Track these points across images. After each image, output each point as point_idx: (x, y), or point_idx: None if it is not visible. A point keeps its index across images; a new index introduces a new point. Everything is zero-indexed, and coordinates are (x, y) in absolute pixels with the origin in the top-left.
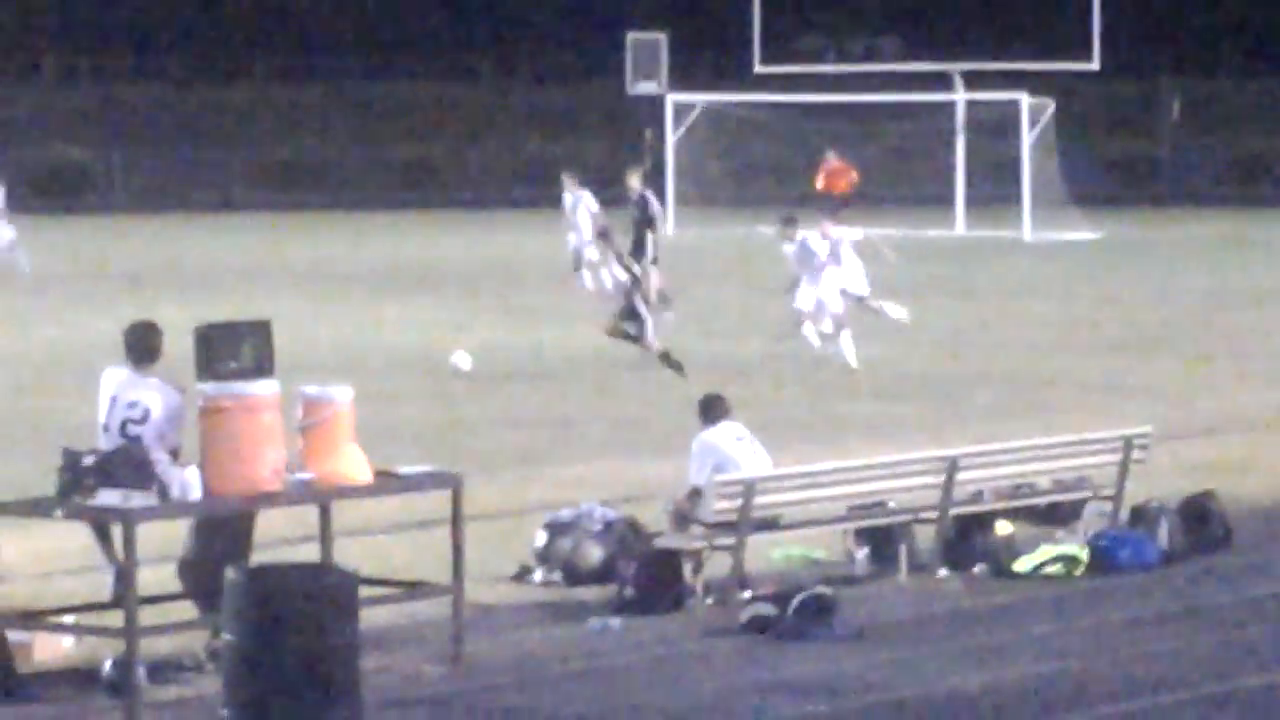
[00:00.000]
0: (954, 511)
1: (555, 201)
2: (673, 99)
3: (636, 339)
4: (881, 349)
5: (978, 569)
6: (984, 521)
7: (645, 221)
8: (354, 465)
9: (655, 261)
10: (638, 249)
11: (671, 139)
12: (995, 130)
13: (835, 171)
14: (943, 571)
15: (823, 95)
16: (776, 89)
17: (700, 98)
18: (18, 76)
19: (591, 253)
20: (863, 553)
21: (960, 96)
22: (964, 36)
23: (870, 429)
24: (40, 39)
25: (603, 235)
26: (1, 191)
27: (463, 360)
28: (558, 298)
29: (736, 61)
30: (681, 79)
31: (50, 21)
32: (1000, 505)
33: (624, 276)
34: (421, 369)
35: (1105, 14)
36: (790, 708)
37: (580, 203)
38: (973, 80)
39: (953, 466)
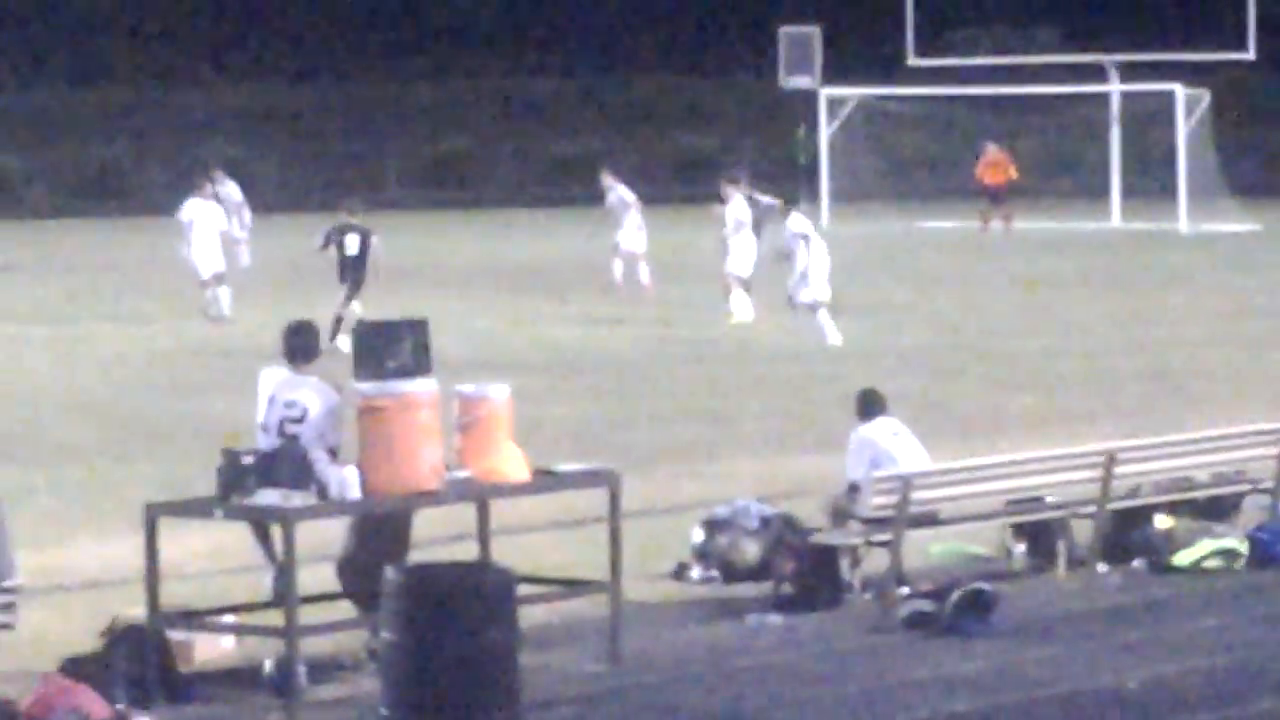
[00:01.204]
0: (1112, 506)
1: (707, 198)
2: (826, 93)
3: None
4: (1041, 341)
5: (1136, 563)
6: (1143, 516)
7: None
8: (512, 463)
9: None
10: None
11: (825, 133)
12: (1151, 122)
13: (994, 164)
14: (1101, 566)
15: (977, 88)
16: (930, 82)
17: (854, 91)
18: (177, 77)
19: (632, 244)
20: (1021, 548)
21: (1115, 88)
22: (1119, 27)
23: (1027, 422)
24: (198, 40)
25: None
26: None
27: (344, 344)
28: (710, 293)
29: (890, 54)
30: (835, 72)
31: (206, 23)
32: (1159, 499)
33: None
34: (577, 366)
35: (1260, 3)
36: (949, 704)
37: (615, 194)
38: (1127, 71)
39: (1111, 460)
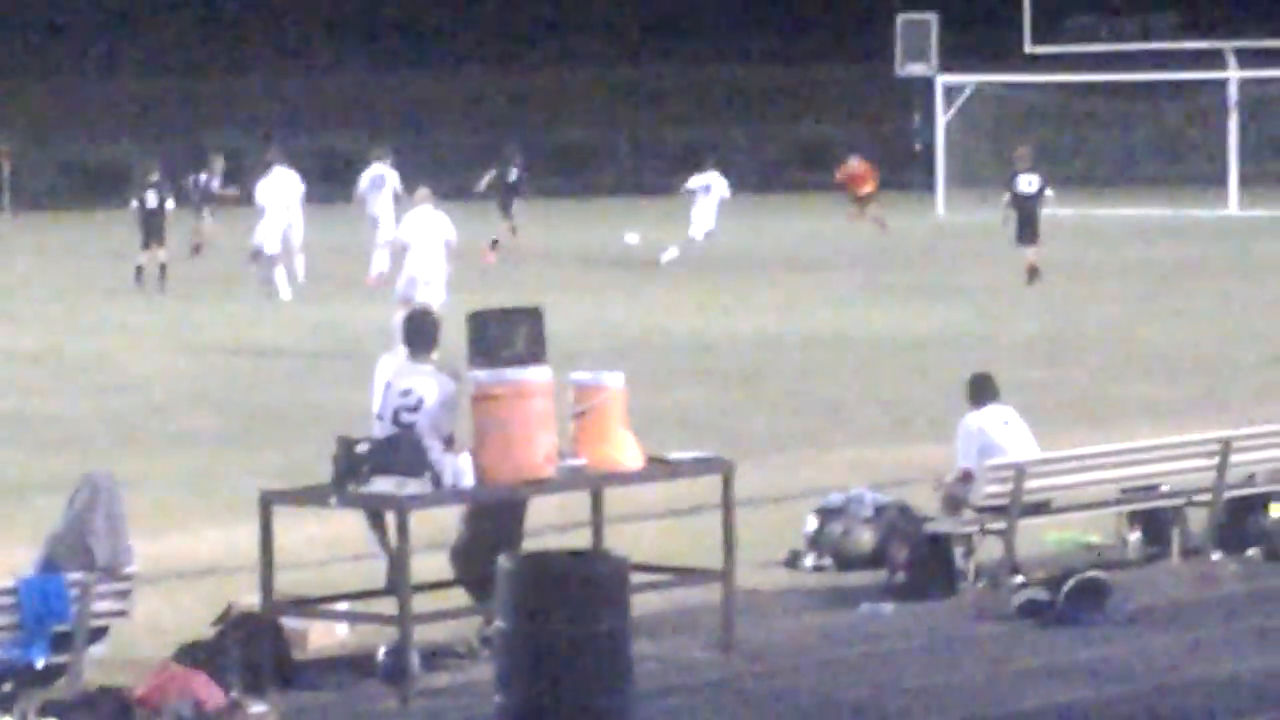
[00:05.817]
0: (1227, 494)
1: (826, 185)
2: (943, 80)
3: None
4: (1156, 329)
5: (1251, 552)
6: (1257, 504)
7: None
8: (626, 451)
9: None
10: None
11: (941, 120)
12: (1271, 108)
13: (855, 175)
14: (1216, 555)
15: (1094, 75)
16: (1047, 69)
17: (970, 79)
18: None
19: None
20: (1135, 536)
21: (1234, 74)
22: (1237, 13)
23: (1142, 411)
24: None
25: None
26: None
27: (632, 238)
28: (826, 282)
29: (1007, 41)
30: (952, 59)
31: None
32: (1274, 487)
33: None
34: (691, 353)
35: None
36: (1063, 693)
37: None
38: (1247, 58)
39: (1226, 449)
